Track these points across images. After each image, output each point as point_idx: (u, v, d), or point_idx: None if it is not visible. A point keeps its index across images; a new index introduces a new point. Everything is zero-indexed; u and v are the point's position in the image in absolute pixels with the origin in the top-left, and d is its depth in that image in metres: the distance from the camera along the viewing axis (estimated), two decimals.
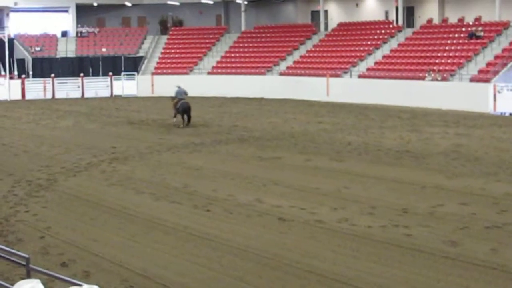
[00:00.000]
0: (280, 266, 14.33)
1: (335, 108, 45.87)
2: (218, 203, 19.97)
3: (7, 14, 65.44)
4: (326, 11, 63.07)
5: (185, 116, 37.39)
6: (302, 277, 13.75)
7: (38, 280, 5.05)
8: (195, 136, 33.53)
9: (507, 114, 41.71)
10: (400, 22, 56.51)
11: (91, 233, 17.25)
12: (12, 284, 5.09)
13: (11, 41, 59.71)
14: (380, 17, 60.45)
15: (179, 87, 38.31)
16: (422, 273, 13.74)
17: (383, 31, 56.44)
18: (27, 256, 9.87)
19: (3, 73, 59.27)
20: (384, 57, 53.11)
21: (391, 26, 57.13)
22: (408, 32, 55.31)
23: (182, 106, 37.16)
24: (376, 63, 52.67)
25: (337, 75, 52.55)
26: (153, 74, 60.76)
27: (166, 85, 57.32)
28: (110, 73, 59.74)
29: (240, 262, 14.72)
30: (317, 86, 52.16)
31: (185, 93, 37.98)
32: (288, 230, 17.08)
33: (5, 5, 63.63)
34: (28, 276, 9.27)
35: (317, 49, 58.31)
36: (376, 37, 55.91)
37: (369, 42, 55.53)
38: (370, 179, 22.91)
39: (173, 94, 38.32)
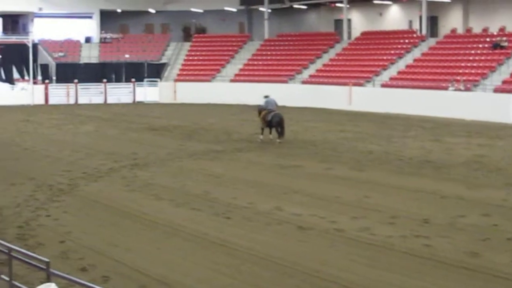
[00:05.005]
0: (299, 275, 14.32)
1: (357, 117, 45.79)
2: (238, 211, 19.99)
3: (32, 20, 65.87)
4: (349, 20, 63.03)
5: (272, 129, 33.95)
6: (321, 286, 13.74)
7: (54, 284, 5.09)
8: (216, 144, 33.56)
9: None
10: (424, 32, 56.31)
11: (111, 238, 17.32)
12: None
13: (35, 46, 60.12)
14: (404, 26, 60.34)
15: (268, 97, 34.97)
16: (442, 284, 13.68)
17: (406, 41, 56.29)
18: (47, 260, 9.94)
19: (26, 78, 59.67)
20: (407, 66, 52.95)
21: (414, 35, 56.98)
22: (432, 41, 55.13)
23: (275, 119, 33.31)
24: (399, 72, 52.51)
25: (359, 84, 52.46)
26: (175, 80, 60.91)
27: (189, 92, 57.67)
28: (133, 79, 59.97)
29: (259, 270, 14.73)
30: (340, 94, 52.08)
31: (276, 104, 34.74)
32: (307, 239, 17.07)
33: (29, 10, 64.09)
34: (48, 280, 9.34)
35: (340, 57, 58.26)
36: (399, 46, 55.77)
37: (392, 51, 55.39)
38: (391, 189, 22.85)
39: (260, 104, 35.17)
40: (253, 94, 52.87)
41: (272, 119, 33.38)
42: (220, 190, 22.88)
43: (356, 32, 62.08)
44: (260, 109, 34.72)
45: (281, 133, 33.38)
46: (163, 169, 27.13)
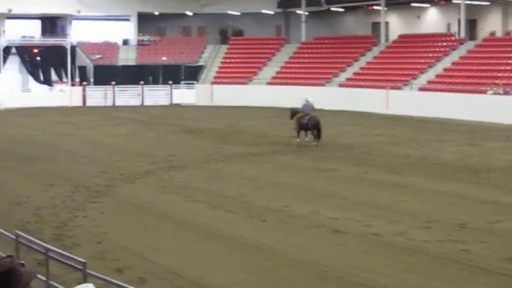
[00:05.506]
0: (334, 279, 14.31)
1: (394, 121, 45.59)
2: (273, 214, 19.99)
3: (70, 22, 66.40)
4: (387, 23, 62.76)
5: (308, 132, 33.87)
6: None
7: (92, 285, 5.14)
8: (252, 146, 33.59)
9: None
10: (462, 35, 55.89)
11: (147, 240, 17.43)
12: None
13: (73, 48, 60.63)
14: (442, 29, 59.96)
15: (307, 101, 34.94)
16: None
17: (444, 44, 55.93)
18: (83, 260, 10.04)
19: (64, 79, 60.18)
20: (445, 69, 52.61)
21: (452, 38, 56.60)
22: (470, 44, 54.71)
23: (311, 122, 33.34)
24: (437, 75, 52.19)
25: (397, 87, 52.21)
26: (212, 83, 61.05)
27: (225, 95, 57.78)
28: (170, 82, 60.24)
29: (294, 273, 14.73)
30: (377, 98, 51.86)
31: (313, 108, 34.75)
32: (343, 243, 17.04)
33: (68, 13, 64.63)
34: (85, 280, 9.43)
35: (377, 60, 58.05)
36: (437, 49, 55.42)
37: (430, 55, 55.07)
38: (427, 193, 22.72)
39: (295, 107, 35.30)
40: (289, 97, 52.83)
41: (309, 122, 33.43)
42: (256, 193, 22.91)
43: (394, 35, 61.80)
44: (293, 111, 34.85)
45: (317, 136, 33.39)
46: (199, 171, 27.23)
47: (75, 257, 10.84)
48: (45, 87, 60.49)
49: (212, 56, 65.07)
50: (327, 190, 23.18)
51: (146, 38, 67.74)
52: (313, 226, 18.59)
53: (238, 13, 69.07)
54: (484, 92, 47.35)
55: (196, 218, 19.62)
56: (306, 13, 65.28)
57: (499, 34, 56.03)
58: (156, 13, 68.53)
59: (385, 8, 60.92)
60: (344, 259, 15.62)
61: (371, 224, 18.58)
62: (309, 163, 28.95)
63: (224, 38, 69.66)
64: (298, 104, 35.10)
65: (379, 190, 23.20)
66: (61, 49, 59.41)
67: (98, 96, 59.31)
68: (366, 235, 17.65)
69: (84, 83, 59.74)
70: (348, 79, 56.75)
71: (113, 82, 59.34)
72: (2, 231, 12.60)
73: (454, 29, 58.30)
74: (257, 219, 19.39)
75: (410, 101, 50.47)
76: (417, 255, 15.89)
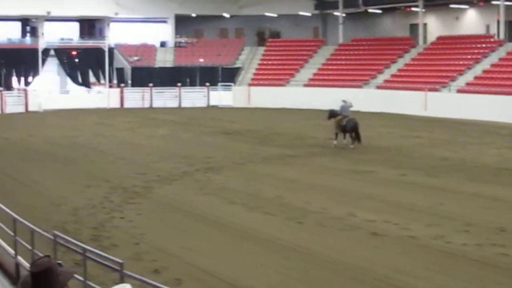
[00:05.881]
0: (372, 281, 14.24)
1: (432, 123, 45.27)
2: (310, 216, 19.95)
3: (108, 24, 66.88)
4: (425, 24, 62.36)
5: (347, 135, 33.73)
6: None
7: (130, 285, 5.15)
8: (289, 148, 33.55)
9: None
10: (502, 36, 55.35)
11: (184, 241, 17.47)
12: None
13: (111, 50, 61.04)
14: (481, 30, 59.43)
15: (345, 102, 34.89)
16: None
17: (483, 45, 55.44)
18: (121, 261, 10.07)
19: (102, 81, 60.60)
20: (484, 71, 52.14)
21: (491, 40, 56.09)
22: (510, 46, 54.11)
23: (350, 124, 33.22)
24: (476, 77, 51.75)
25: (435, 89, 51.86)
26: (249, 85, 61.10)
27: (262, 96, 57.80)
28: (207, 84, 60.38)
29: (331, 276, 14.69)
30: (415, 100, 51.56)
31: (351, 106, 34.78)
32: (380, 245, 16.95)
33: (106, 15, 65.11)
34: (122, 281, 9.46)
35: (415, 62, 57.71)
36: (476, 51, 54.96)
37: (469, 56, 54.62)
38: (466, 196, 22.53)
39: (333, 108, 34.99)
40: (327, 98, 52.67)
41: (347, 124, 33.30)
42: (293, 194, 22.88)
43: (432, 36, 61.39)
44: (331, 113, 34.69)
45: (355, 139, 33.31)
46: (236, 173, 27.26)
47: (112, 257, 10.88)
48: (83, 89, 60.99)
49: (249, 58, 65.13)
50: (365, 193, 23.08)
51: (183, 40, 68.00)
52: (350, 229, 18.52)
53: (275, 15, 69.08)
54: None
55: (233, 219, 19.64)
56: (343, 14, 65.11)
57: None
58: (194, 15, 68.77)
59: (423, 10, 60.56)
60: (381, 261, 15.53)
61: (408, 227, 18.46)
62: (346, 165, 28.86)
63: (261, 40, 69.70)
64: (336, 106, 34.93)
65: (417, 193, 23.05)
66: (99, 51, 59.87)
67: (135, 98, 59.62)
68: (403, 238, 17.54)
69: (122, 85, 60.11)
70: (386, 81, 56.49)
71: (151, 84, 59.60)
72: (41, 231, 12.69)
73: (493, 30, 57.76)
74: (294, 221, 19.36)
75: (448, 103, 50.09)
76: (455, 259, 15.76)
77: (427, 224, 18.82)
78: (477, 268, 15.06)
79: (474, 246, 16.65)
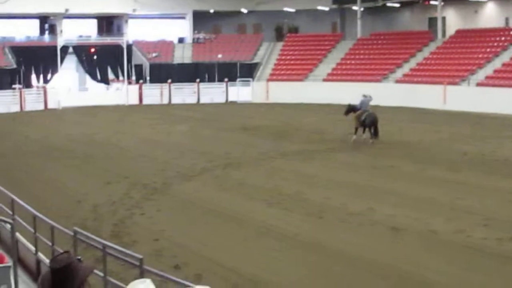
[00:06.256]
0: (392, 277, 14.22)
1: (452, 117, 45.07)
2: (330, 211, 19.94)
3: (126, 21, 67.04)
4: (443, 18, 62.05)
5: (366, 129, 33.41)
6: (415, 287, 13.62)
7: (150, 280, 5.17)
8: (309, 144, 33.49)
9: None
10: None
11: (203, 237, 17.52)
12: (126, 284, 5.22)
13: (129, 47, 61.10)
14: (500, 23, 59.07)
15: (365, 96, 34.57)
16: None
17: (502, 38, 55.08)
18: (140, 257, 10.11)
19: (121, 78, 60.70)
20: (503, 65, 51.83)
21: (511, 33, 55.77)
22: None
23: (369, 119, 33.01)
24: (495, 71, 51.46)
25: (454, 83, 51.63)
26: (268, 80, 61.03)
27: (281, 92, 57.74)
28: (226, 79, 60.39)
29: (351, 271, 14.67)
30: (434, 94, 51.35)
31: (371, 99, 34.54)
32: (400, 240, 16.92)
33: (124, 12, 65.25)
34: (142, 276, 9.48)
35: (434, 56, 57.46)
36: (495, 44, 54.63)
37: (488, 50, 54.31)
38: (486, 190, 22.42)
39: (351, 103, 34.79)
40: (346, 93, 52.52)
41: (366, 119, 33.14)
42: (312, 190, 22.86)
43: (451, 30, 61.09)
44: (348, 108, 34.55)
45: (374, 134, 33.20)
46: (255, 169, 27.26)
47: (132, 253, 10.92)
48: (102, 85, 61.14)
49: (268, 53, 65.06)
50: (384, 188, 23.04)
51: (201, 36, 68.02)
52: (370, 224, 18.50)
53: (293, 10, 68.99)
54: None
55: (252, 215, 19.67)
56: (362, 9, 64.90)
57: None
58: (212, 11, 68.80)
59: (442, 3, 60.26)
60: (402, 256, 15.50)
61: (429, 222, 18.42)
62: (366, 160, 28.78)
63: (279, 35, 69.63)
64: (355, 100, 34.79)
65: (437, 188, 22.96)
66: (117, 48, 59.96)
67: (154, 94, 59.68)
68: (424, 232, 17.50)
69: (141, 81, 60.21)
70: (405, 75, 56.29)
71: (169, 80, 59.68)
72: (61, 227, 12.75)
73: None
74: (313, 217, 19.36)
75: (468, 97, 49.84)
76: (476, 253, 15.71)
77: (448, 218, 18.77)
78: (498, 263, 15.01)
79: (494, 240, 16.59)
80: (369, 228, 18.14)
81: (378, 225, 18.36)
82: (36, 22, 66.70)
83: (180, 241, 17.16)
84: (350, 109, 34.39)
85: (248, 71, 61.79)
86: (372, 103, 34.68)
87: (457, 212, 19.46)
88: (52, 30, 65.60)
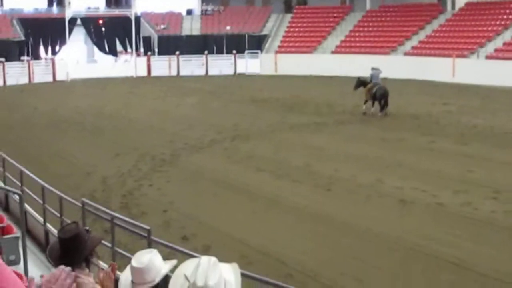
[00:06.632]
0: (400, 249, 14.20)
1: (461, 90, 44.88)
2: (339, 183, 19.92)
3: None
4: None
5: (375, 102, 33.35)
6: (423, 260, 13.59)
7: (156, 251, 5.15)
8: (317, 116, 33.41)
9: None
10: None
11: (212, 209, 17.52)
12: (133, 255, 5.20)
13: (137, 19, 60.97)
14: None
15: (374, 69, 34.60)
16: None
17: None
18: (148, 227, 10.10)
19: (129, 50, 60.64)
20: None
21: None
22: None
23: (380, 92, 32.81)
24: (504, 43, 51.17)
25: (463, 56, 51.41)
26: (276, 52, 60.90)
27: (290, 64, 57.57)
28: (234, 51, 60.24)
29: (359, 243, 14.66)
30: (443, 67, 51.15)
31: (380, 72, 34.33)
32: (408, 213, 16.90)
33: None
34: (149, 247, 9.47)
35: (444, 29, 57.15)
36: (505, 16, 54.27)
37: (497, 22, 53.98)
38: (495, 163, 22.34)
39: (360, 76, 35.23)
40: (354, 66, 52.39)
41: (377, 92, 32.97)
42: (321, 162, 22.83)
43: (460, 2, 60.71)
44: (358, 82, 34.45)
45: (383, 107, 33.05)
46: (264, 141, 27.22)
47: (140, 224, 10.92)
48: (110, 57, 61.06)
49: (276, 26, 64.82)
50: (393, 160, 22.98)
51: (210, 8, 67.78)
52: (378, 196, 18.48)
53: None
54: None
55: (261, 187, 19.66)
56: None
57: None
58: None
59: None
60: (410, 229, 15.48)
61: (437, 194, 18.39)
62: (375, 133, 28.71)
63: (288, 7, 69.33)
64: (364, 73, 34.63)
65: (446, 160, 22.90)
66: (125, 20, 59.85)
67: (162, 66, 59.62)
68: (431, 205, 17.47)
69: (149, 53, 60.11)
70: (414, 48, 56.05)
71: (177, 52, 59.57)
72: (69, 199, 12.75)
73: None
74: (322, 189, 19.35)
75: (477, 70, 49.62)
76: (483, 226, 15.69)
77: (456, 191, 18.74)
78: (506, 236, 14.98)
79: (502, 213, 16.56)
80: (377, 200, 18.12)
81: (387, 197, 18.33)
82: None
83: (188, 212, 17.17)
84: (360, 83, 34.28)
85: (256, 43, 61.65)
86: (380, 75, 34.54)
87: (465, 185, 19.40)
88: (60, 1, 65.31)
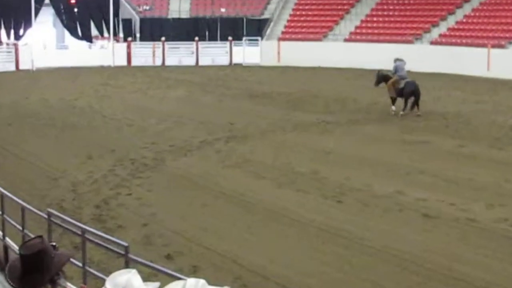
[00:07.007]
0: (422, 271, 14.20)
1: (497, 85, 44.90)
2: (351, 194, 19.92)
3: None
4: None
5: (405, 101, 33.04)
6: (449, 284, 13.60)
7: (135, 271, 5.14)
8: (327, 114, 33.46)
9: None
10: None
11: (202, 222, 17.52)
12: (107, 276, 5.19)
13: None
14: None
15: (400, 60, 34.11)
16: None
17: None
18: (125, 244, 10.10)
19: (106, 35, 60.56)
20: None
21: None
22: None
23: (409, 87, 32.53)
24: None
25: (500, 46, 51.43)
26: (279, 39, 60.87)
27: (295, 53, 57.56)
28: (230, 38, 60.20)
29: (374, 263, 14.66)
30: (476, 58, 51.14)
31: (404, 62, 34.01)
32: (433, 229, 16.90)
33: None
34: (127, 267, 9.48)
35: (477, 14, 57.15)
36: None
37: None
38: None
39: (381, 70, 35.00)
40: (371, 56, 52.40)
41: (405, 88, 32.61)
42: (330, 168, 22.85)
43: None
44: (379, 77, 34.21)
45: (412, 105, 32.69)
46: (264, 142, 27.26)
47: (116, 240, 10.91)
48: (83, 43, 61.00)
49: (280, 7, 64.78)
50: (416, 167, 22.99)
51: None
52: (398, 209, 18.48)
53: None
54: None
55: (259, 197, 19.67)
56: None
57: None
58: None
59: None
60: (434, 248, 15.48)
61: (467, 208, 18.39)
62: (395, 134, 28.75)
63: None
64: (384, 65, 34.52)
65: (478, 168, 22.93)
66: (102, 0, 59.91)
67: (145, 54, 59.59)
68: (460, 220, 17.47)
69: (129, 39, 60.03)
70: (442, 36, 56.07)
71: (163, 38, 59.49)
72: (33, 209, 12.73)
73: None
74: (331, 200, 19.35)
75: None
76: None
77: (489, 204, 18.74)
78: None
79: None
80: (396, 214, 18.13)
81: (407, 210, 18.34)
82: None
83: (173, 226, 17.16)
84: (382, 77, 34.05)
85: (256, 29, 61.63)
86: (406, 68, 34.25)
87: (501, 197, 19.42)
88: None
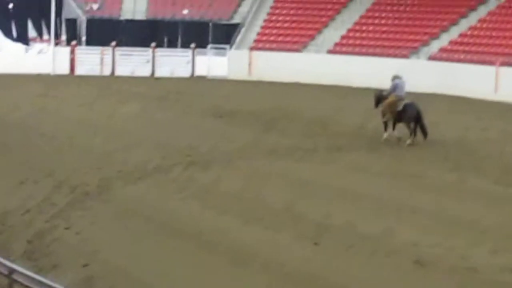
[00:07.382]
0: None
1: (506, 110, 45.19)
2: (331, 234, 19.93)
3: None
4: None
5: (397, 126, 33.14)
6: None
7: None
8: (305, 138, 33.50)
9: None
10: None
11: (152, 263, 17.46)
12: None
13: None
14: None
15: (398, 78, 33.90)
16: None
17: None
18: (62, 287, 10.04)
19: (46, 37, 60.39)
20: None
21: None
22: None
23: (410, 111, 32.53)
24: None
25: (511, 64, 51.74)
26: (251, 49, 60.95)
27: (269, 65, 57.64)
28: (193, 45, 60.22)
29: None
30: (482, 77, 51.38)
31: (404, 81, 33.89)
32: (426, 279, 16.95)
33: None
34: None
35: (484, 25, 57.45)
36: None
37: None
38: None
39: (380, 89, 34.83)
40: (359, 71, 52.60)
41: (406, 110, 32.53)
42: (308, 203, 22.85)
43: None
44: (378, 97, 34.00)
45: (415, 131, 32.55)
46: (230, 171, 27.30)
47: (50, 282, 10.84)
48: (19, 46, 60.80)
49: (253, 11, 64.93)
50: (408, 203, 23.07)
51: None
52: (385, 254, 18.50)
53: None
54: None
55: (223, 236, 19.65)
56: None
57: None
58: None
59: None
60: None
61: (467, 254, 18.42)
62: (385, 164, 28.84)
63: None
64: (380, 83, 34.57)
65: (482, 206, 23.02)
66: None
67: (92, 61, 59.41)
68: (458, 269, 17.51)
69: (73, 42, 59.92)
70: (442, 50, 56.35)
71: (114, 43, 59.46)
72: None
73: None
74: (308, 241, 19.36)
75: None
76: None
77: (493, 250, 18.79)
78: None
79: None
80: (383, 259, 18.14)
81: (397, 255, 18.36)
82: None
83: (119, 266, 17.11)
84: (381, 98, 33.87)
85: (224, 35, 61.66)
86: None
87: (507, 242, 19.48)
88: None
